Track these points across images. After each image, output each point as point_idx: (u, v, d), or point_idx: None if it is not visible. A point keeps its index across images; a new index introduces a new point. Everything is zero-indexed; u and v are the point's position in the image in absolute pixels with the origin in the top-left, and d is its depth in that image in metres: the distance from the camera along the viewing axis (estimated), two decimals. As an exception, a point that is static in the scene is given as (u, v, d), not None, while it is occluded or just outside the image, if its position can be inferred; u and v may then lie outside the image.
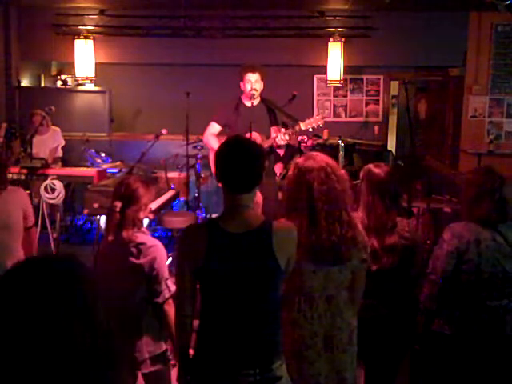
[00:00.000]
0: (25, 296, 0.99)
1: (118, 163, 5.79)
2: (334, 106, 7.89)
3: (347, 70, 7.34)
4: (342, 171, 2.40)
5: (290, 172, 2.36)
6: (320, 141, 6.92)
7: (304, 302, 2.29)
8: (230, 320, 1.97)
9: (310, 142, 6.64)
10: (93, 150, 6.35)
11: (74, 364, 0.99)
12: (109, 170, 5.82)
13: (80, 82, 7.30)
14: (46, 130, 6.19)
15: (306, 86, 7.61)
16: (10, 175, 4.38)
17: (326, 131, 7.11)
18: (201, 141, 5.56)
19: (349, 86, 7.82)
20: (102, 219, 4.82)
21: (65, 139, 6.55)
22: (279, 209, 2.60)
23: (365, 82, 7.86)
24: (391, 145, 8.46)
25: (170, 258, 5.03)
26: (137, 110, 7.77)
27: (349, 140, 6.84)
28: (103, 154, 6.36)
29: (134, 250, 2.55)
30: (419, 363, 2.83)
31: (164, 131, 5.02)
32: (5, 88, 7.15)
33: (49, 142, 6.28)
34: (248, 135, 4.34)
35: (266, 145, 4.58)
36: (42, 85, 8.18)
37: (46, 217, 4.86)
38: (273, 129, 4.88)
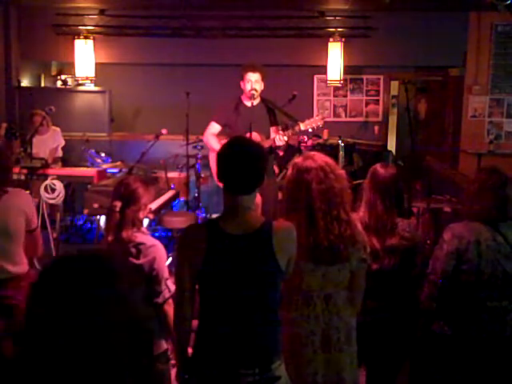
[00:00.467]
0: (69, 291, 1.00)
1: (118, 163, 5.79)
2: (334, 106, 7.89)
3: (347, 69, 7.34)
4: (341, 171, 2.40)
5: (289, 172, 2.36)
6: (320, 141, 6.92)
7: (301, 301, 2.29)
8: (229, 320, 1.96)
9: (309, 142, 6.65)
10: (93, 150, 6.34)
11: (114, 358, 1.00)
12: (109, 170, 5.82)
13: (80, 81, 7.30)
14: (46, 130, 6.19)
15: (306, 86, 7.61)
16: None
17: (325, 131, 7.11)
18: (201, 141, 5.56)
19: (349, 85, 7.82)
20: (102, 219, 4.82)
21: (65, 139, 6.55)
22: (279, 209, 2.60)
23: (365, 81, 7.86)
24: (391, 145, 8.46)
25: (170, 258, 5.03)
26: (137, 110, 7.77)
27: (349, 140, 6.85)
28: (103, 154, 6.35)
29: (133, 250, 2.55)
30: (419, 363, 2.83)
31: (164, 131, 5.02)
32: (5, 88, 7.15)
33: (49, 142, 6.28)
34: (248, 135, 4.34)
35: (265, 145, 4.58)
36: (42, 85, 8.18)
37: (46, 217, 4.86)
38: (272, 129, 4.88)
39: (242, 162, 1.97)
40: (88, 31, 7.16)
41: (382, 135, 7.89)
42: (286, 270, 2.01)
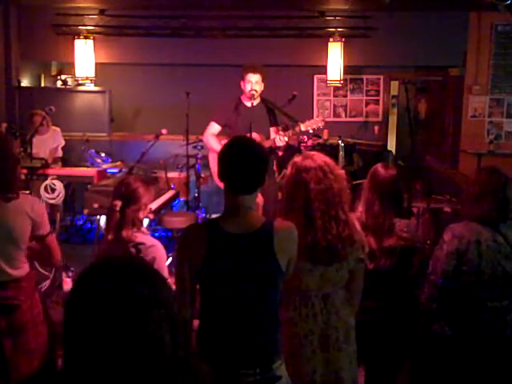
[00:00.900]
0: (108, 294, 1.01)
1: (118, 163, 5.79)
2: (334, 105, 7.89)
3: (347, 69, 7.34)
4: (340, 171, 2.40)
5: (288, 171, 2.36)
6: (320, 141, 6.92)
7: (300, 301, 2.29)
8: (230, 320, 1.96)
9: (310, 142, 6.64)
10: (93, 150, 6.35)
11: (157, 357, 1.01)
12: (109, 170, 5.82)
13: (80, 82, 7.30)
14: (46, 130, 6.19)
15: (306, 86, 7.61)
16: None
17: (325, 131, 7.11)
18: (201, 141, 5.56)
19: (349, 85, 7.82)
20: (102, 219, 4.82)
21: (65, 139, 6.55)
22: (278, 208, 2.60)
23: (365, 81, 7.86)
24: (391, 145, 8.46)
25: (170, 258, 5.03)
26: (137, 110, 7.77)
27: (349, 140, 6.85)
28: (103, 154, 6.35)
29: (133, 250, 2.55)
30: (419, 364, 2.83)
31: (164, 131, 5.02)
32: (5, 88, 7.15)
33: (49, 142, 6.28)
34: (248, 135, 4.34)
35: (265, 145, 4.58)
36: (42, 85, 8.17)
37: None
38: (272, 129, 4.88)
39: (244, 162, 1.96)
40: (88, 31, 7.16)
41: (381, 135, 7.90)
42: (286, 270, 2.00)
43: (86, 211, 4.69)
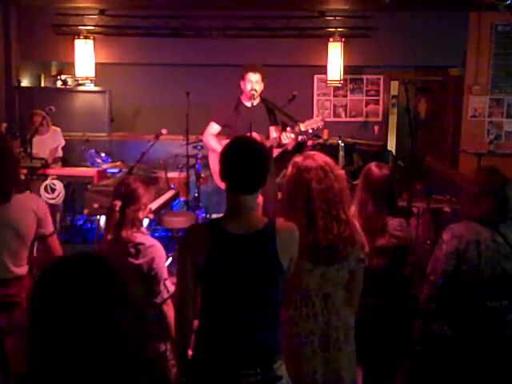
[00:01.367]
0: (72, 289, 1.01)
1: (118, 163, 5.78)
2: (334, 105, 7.89)
3: (347, 69, 7.34)
4: (341, 171, 2.40)
5: (289, 171, 2.36)
6: (320, 141, 6.92)
7: (300, 300, 2.29)
8: (231, 320, 1.96)
9: (309, 142, 6.64)
10: (93, 150, 6.34)
11: (122, 351, 1.01)
12: (109, 170, 5.82)
13: (80, 81, 7.30)
14: (46, 130, 6.18)
15: (306, 86, 7.61)
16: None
17: (325, 131, 7.11)
18: (201, 141, 5.56)
19: (349, 85, 7.82)
20: (102, 219, 4.82)
21: (65, 139, 6.55)
22: (278, 208, 2.60)
23: (365, 81, 7.86)
24: (391, 145, 8.47)
25: (170, 259, 5.03)
26: (137, 110, 7.77)
27: (349, 140, 6.84)
28: (103, 154, 6.35)
29: (132, 250, 2.55)
30: (419, 364, 2.83)
31: (164, 131, 5.02)
32: (5, 88, 7.15)
33: (49, 142, 6.28)
34: (248, 135, 4.34)
35: (266, 145, 4.58)
36: (42, 85, 8.17)
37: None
38: (272, 128, 4.88)
39: (246, 162, 1.96)
40: (88, 31, 7.16)
41: (381, 135, 7.89)
42: (287, 270, 2.01)
43: (85, 211, 4.68)
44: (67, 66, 7.82)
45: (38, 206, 2.67)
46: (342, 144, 6.00)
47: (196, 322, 2.06)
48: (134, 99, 7.68)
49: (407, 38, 7.11)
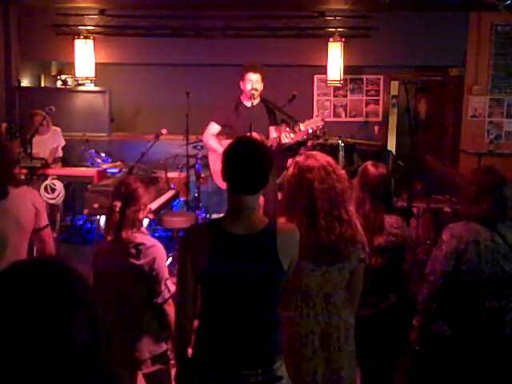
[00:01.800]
0: (24, 294, 1.00)
1: (118, 163, 5.78)
2: (334, 105, 7.89)
3: (347, 69, 7.34)
4: (342, 171, 2.40)
5: (291, 171, 2.36)
6: (320, 141, 6.91)
7: (301, 300, 2.29)
8: (231, 321, 1.96)
9: (309, 143, 6.63)
10: (93, 150, 6.35)
11: (72, 360, 0.99)
12: (109, 170, 5.82)
13: (80, 82, 7.30)
14: (46, 130, 6.19)
15: (306, 86, 7.61)
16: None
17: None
18: (201, 141, 5.56)
19: (349, 85, 7.82)
20: (102, 219, 4.82)
21: (65, 139, 6.55)
22: (278, 209, 2.60)
23: (365, 81, 7.86)
24: (391, 145, 8.46)
25: (170, 259, 5.03)
26: (137, 110, 7.77)
27: (349, 140, 6.84)
28: (103, 154, 6.36)
29: (133, 250, 2.55)
30: (419, 364, 2.83)
31: (164, 131, 5.02)
32: (5, 88, 7.15)
33: (49, 142, 6.28)
34: (248, 135, 4.34)
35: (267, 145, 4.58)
36: (42, 85, 8.18)
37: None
38: (272, 128, 4.88)
39: (249, 163, 1.95)
40: (88, 31, 7.16)
41: (381, 135, 7.89)
42: (287, 271, 2.01)
43: (86, 211, 4.69)
44: (67, 66, 7.82)
45: (35, 198, 2.73)
46: (342, 144, 6.01)
47: (196, 322, 2.06)
48: (134, 99, 7.68)
49: (407, 38, 7.12)
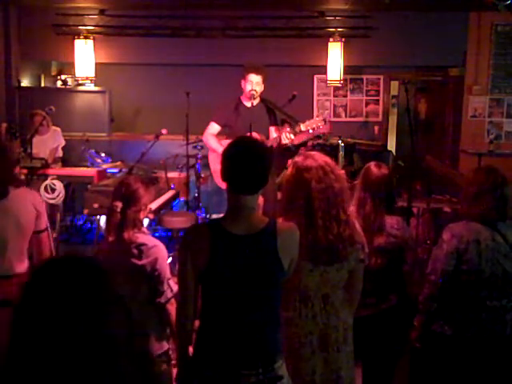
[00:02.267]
0: (68, 288, 1.01)
1: (118, 163, 5.78)
2: (334, 105, 7.90)
3: (347, 69, 7.34)
4: (340, 171, 2.41)
5: (289, 171, 2.36)
6: (320, 141, 6.91)
7: (299, 301, 2.29)
8: (232, 320, 1.96)
9: (310, 143, 6.63)
10: (93, 150, 6.35)
11: (113, 348, 1.01)
12: (109, 170, 5.82)
13: (80, 82, 7.30)
14: (46, 130, 6.19)
15: (306, 86, 7.61)
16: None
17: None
18: (201, 141, 5.56)
19: (349, 85, 7.83)
20: (102, 219, 4.82)
21: (65, 139, 6.55)
22: (277, 208, 2.60)
23: (365, 81, 7.86)
24: (391, 145, 8.46)
25: (170, 259, 5.03)
26: (137, 110, 7.78)
27: (349, 140, 6.84)
28: (103, 154, 6.36)
29: (135, 250, 2.55)
30: (419, 363, 2.83)
31: (164, 131, 5.02)
32: (5, 88, 7.15)
33: (49, 142, 6.28)
34: (248, 135, 4.34)
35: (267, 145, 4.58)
36: (42, 85, 8.18)
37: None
38: (272, 129, 4.88)
39: (248, 163, 1.96)
40: (88, 31, 7.16)
41: (381, 135, 7.90)
42: (287, 270, 2.01)
43: (86, 211, 4.69)
44: (67, 66, 7.82)
45: (36, 200, 2.73)
46: (342, 144, 6.01)
47: (197, 322, 2.06)
48: (134, 99, 7.68)
49: (407, 38, 7.12)
